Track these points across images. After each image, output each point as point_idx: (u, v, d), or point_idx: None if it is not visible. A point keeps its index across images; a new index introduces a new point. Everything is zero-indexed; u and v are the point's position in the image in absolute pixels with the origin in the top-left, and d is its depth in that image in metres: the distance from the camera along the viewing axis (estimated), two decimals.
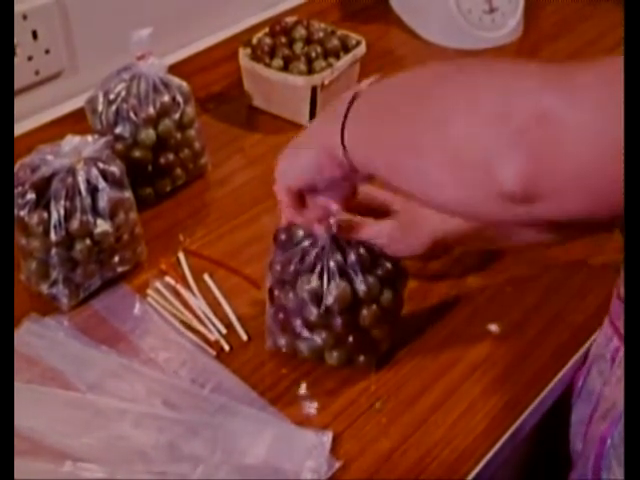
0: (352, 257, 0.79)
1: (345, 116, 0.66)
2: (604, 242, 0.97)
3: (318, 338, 0.81)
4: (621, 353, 0.79)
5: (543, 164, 0.52)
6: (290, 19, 1.24)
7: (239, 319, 0.90)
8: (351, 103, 0.66)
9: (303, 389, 0.83)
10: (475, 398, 0.83)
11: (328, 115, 0.71)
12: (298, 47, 1.20)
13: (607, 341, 0.81)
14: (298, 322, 0.81)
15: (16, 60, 1.15)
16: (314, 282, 0.78)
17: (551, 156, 0.51)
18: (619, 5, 1.44)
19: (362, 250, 0.79)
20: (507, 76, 0.56)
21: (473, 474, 0.76)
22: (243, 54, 1.20)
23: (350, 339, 0.81)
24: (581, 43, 1.41)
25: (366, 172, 0.68)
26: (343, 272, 0.79)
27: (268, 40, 1.20)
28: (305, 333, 0.82)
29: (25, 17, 1.13)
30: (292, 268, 0.79)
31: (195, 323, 0.89)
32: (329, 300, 0.78)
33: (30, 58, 1.17)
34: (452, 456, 0.77)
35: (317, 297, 0.79)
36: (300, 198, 0.76)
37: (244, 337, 0.88)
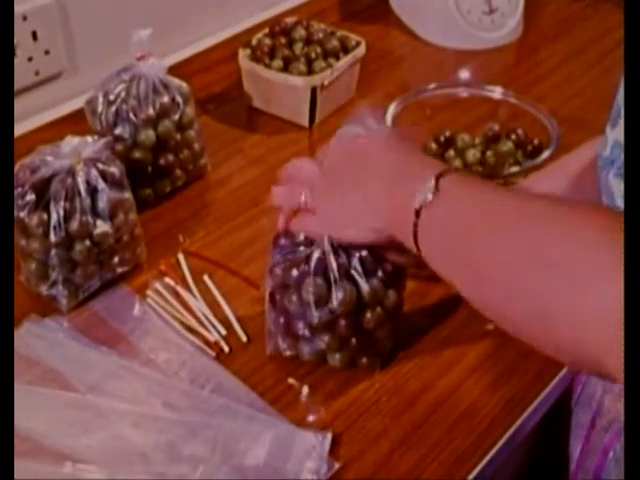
0: (355, 259, 0.78)
1: (415, 225, 0.65)
2: None
3: (321, 341, 0.81)
4: None
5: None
6: (290, 20, 1.24)
7: (239, 320, 0.90)
8: (419, 211, 0.65)
9: (303, 390, 0.83)
10: (475, 399, 0.83)
11: (387, 191, 0.69)
12: (298, 48, 1.20)
13: None
14: (301, 325, 0.81)
15: (16, 61, 1.15)
16: (319, 285, 0.78)
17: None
18: (619, 6, 1.44)
19: (364, 252, 0.79)
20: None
21: (473, 475, 0.76)
22: (243, 55, 1.20)
23: (353, 341, 0.81)
24: (581, 44, 1.41)
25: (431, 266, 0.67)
26: (348, 275, 0.78)
27: (268, 41, 1.20)
28: (308, 336, 0.82)
29: (25, 18, 1.13)
30: (295, 272, 0.79)
31: (195, 324, 0.89)
32: (334, 303, 0.78)
33: (30, 59, 1.17)
34: (452, 457, 0.77)
35: (322, 300, 0.78)
36: None
37: (244, 338, 0.88)
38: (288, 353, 0.84)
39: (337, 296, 0.78)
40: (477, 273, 0.62)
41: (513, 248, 0.58)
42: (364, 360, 0.83)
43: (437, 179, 0.65)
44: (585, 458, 0.83)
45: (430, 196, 0.64)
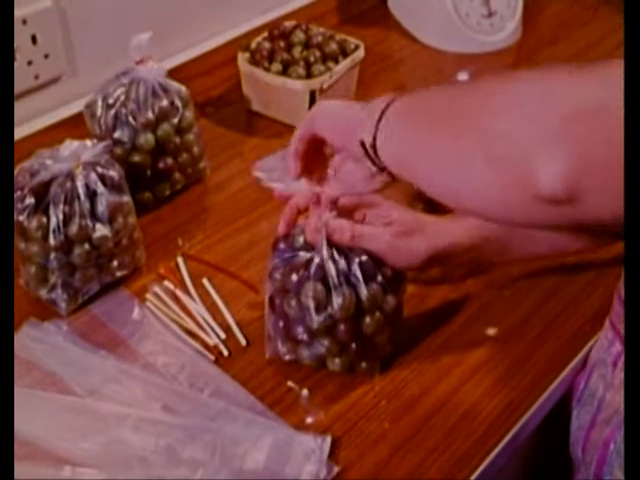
0: (355, 264, 0.78)
1: (379, 119, 0.66)
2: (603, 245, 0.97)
3: (321, 345, 0.81)
4: (623, 357, 0.78)
5: (590, 158, 0.50)
6: (289, 23, 1.24)
7: (238, 324, 0.90)
8: (387, 106, 0.66)
9: (302, 393, 0.83)
10: (474, 402, 0.83)
11: (359, 109, 0.70)
12: (297, 51, 1.20)
13: (608, 345, 0.81)
14: (300, 330, 0.81)
15: (16, 65, 1.15)
16: (319, 290, 0.78)
17: (600, 148, 0.50)
18: (618, 10, 1.44)
19: (364, 257, 0.79)
20: (548, 75, 0.55)
21: (473, 478, 0.76)
22: (242, 58, 1.20)
23: (353, 346, 0.81)
24: (580, 47, 1.42)
25: (397, 175, 0.68)
26: (347, 280, 0.78)
27: (267, 44, 1.20)
28: (307, 341, 0.81)
29: (25, 22, 1.13)
30: (295, 276, 0.79)
31: (194, 328, 0.89)
32: (333, 308, 0.78)
33: (30, 63, 1.17)
34: (451, 460, 0.77)
35: (321, 305, 0.78)
36: (310, 157, 0.77)
37: (243, 342, 0.88)
38: (287, 357, 0.84)
39: (336, 301, 0.78)
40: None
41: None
42: (363, 365, 0.83)
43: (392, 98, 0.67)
44: (585, 454, 0.83)
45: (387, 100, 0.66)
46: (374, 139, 0.66)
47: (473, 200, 0.60)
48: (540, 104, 0.53)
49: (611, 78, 0.51)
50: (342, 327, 0.79)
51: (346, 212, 0.81)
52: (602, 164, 0.50)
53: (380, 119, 0.66)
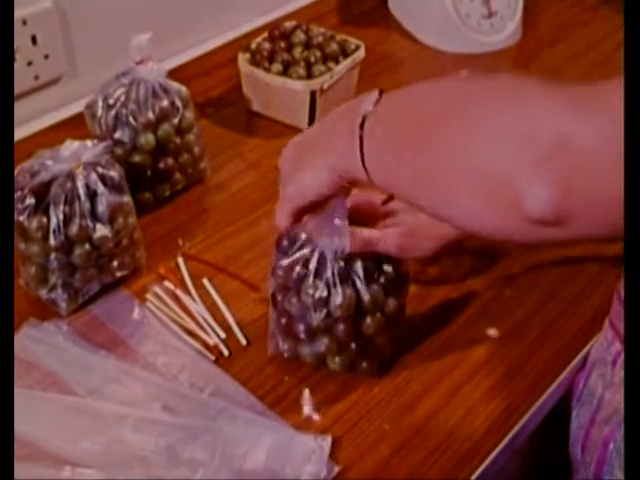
0: (356, 264, 0.78)
1: (361, 137, 0.66)
2: (604, 244, 0.97)
3: (321, 344, 0.81)
4: (623, 356, 0.78)
5: (572, 187, 0.52)
6: (289, 24, 1.24)
7: (238, 324, 0.90)
8: (363, 121, 0.66)
9: (302, 393, 0.83)
10: (474, 402, 0.83)
11: (337, 130, 0.70)
12: (297, 52, 1.20)
13: (608, 344, 0.81)
14: (301, 327, 0.81)
15: (16, 65, 1.15)
16: (318, 288, 0.78)
17: (579, 179, 0.52)
18: (618, 11, 1.44)
19: (366, 257, 0.79)
20: (521, 97, 0.56)
21: (473, 478, 0.76)
22: (242, 59, 1.20)
23: (353, 346, 0.81)
24: (580, 48, 1.42)
25: (389, 193, 0.69)
26: (347, 278, 0.78)
27: (267, 45, 1.20)
28: (308, 339, 0.82)
29: (25, 22, 1.14)
30: (295, 273, 0.79)
31: (194, 328, 0.89)
32: (333, 306, 0.78)
33: (30, 63, 1.17)
34: (452, 461, 0.77)
35: (321, 303, 0.78)
36: (301, 213, 0.77)
37: (243, 342, 0.88)
38: (289, 355, 0.84)
39: (336, 300, 0.78)
40: (419, 172, 0.63)
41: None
42: (364, 364, 0.83)
43: (380, 94, 0.68)
44: (585, 453, 0.83)
45: (370, 105, 0.67)
46: (363, 161, 0.66)
47: (466, 222, 0.62)
48: (520, 138, 0.54)
49: (604, 110, 0.52)
50: (341, 326, 0.79)
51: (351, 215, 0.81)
52: (584, 191, 0.52)
53: (362, 138, 0.66)
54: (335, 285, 0.78)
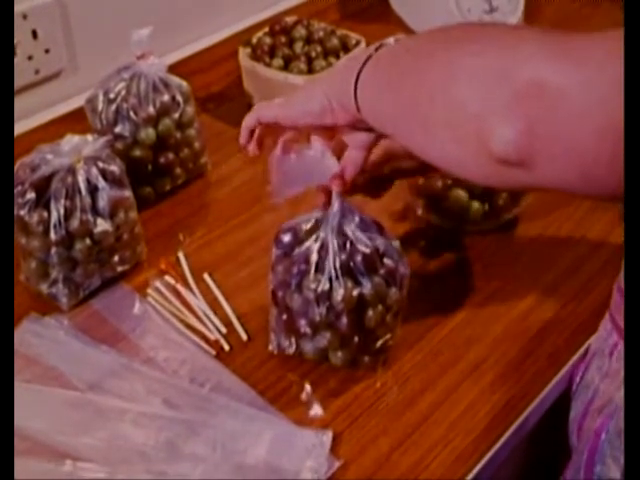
0: (358, 256, 0.78)
1: (360, 69, 0.69)
2: (604, 239, 0.97)
3: (323, 338, 0.81)
4: (619, 348, 0.78)
5: (538, 131, 0.53)
6: (290, 19, 1.24)
7: (239, 318, 0.90)
8: (368, 58, 0.69)
9: (303, 388, 0.83)
10: (475, 398, 0.83)
11: (340, 68, 0.74)
12: (298, 47, 1.20)
13: (607, 336, 0.81)
14: (303, 322, 0.81)
15: (16, 59, 1.15)
16: (320, 282, 0.78)
17: (546, 125, 0.53)
18: (618, 5, 1.44)
19: (367, 249, 0.78)
20: (509, 40, 0.58)
21: (473, 474, 0.76)
22: (243, 54, 1.20)
23: (355, 340, 0.81)
24: None
25: (372, 124, 0.70)
26: (349, 271, 0.78)
27: (268, 40, 1.20)
28: (310, 334, 0.81)
29: (25, 17, 1.13)
30: (296, 269, 0.79)
31: (195, 322, 0.89)
32: (335, 300, 0.78)
33: (30, 57, 1.17)
34: (452, 456, 0.77)
35: (323, 297, 0.78)
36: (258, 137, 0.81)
37: (244, 336, 0.88)
38: (291, 351, 0.84)
39: (338, 293, 0.77)
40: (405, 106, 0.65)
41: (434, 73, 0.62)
42: (366, 359, 0.83)
43: (372, 52, 0.71)
44: (579, 442, 0.84)
45: (373, 49, 0.70)
46: (355, 88, 0.70)
47: (434, 153, 0.64)
48: (496, 76, 0.56)
49: (576, 56, 0.52)
50: (344, 320, 0.79)
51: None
52: (549, 137, 0.53)
53: (361, 70, 0.70)
54: (338, 278, 0.77)
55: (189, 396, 0.81)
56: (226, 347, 0.87)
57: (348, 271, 0.78)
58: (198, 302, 0.91)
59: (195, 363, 0.85)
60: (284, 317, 0.82)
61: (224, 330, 0.88)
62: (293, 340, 0.83)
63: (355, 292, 0.78)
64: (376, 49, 0.70)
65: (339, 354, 0.82)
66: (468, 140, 0.58)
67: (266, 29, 1.23)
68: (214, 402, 0.80)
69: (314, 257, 0.78)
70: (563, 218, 1.03)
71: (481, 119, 0.56)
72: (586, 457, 0.80)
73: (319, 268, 0.78)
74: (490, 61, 0.57)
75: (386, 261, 0.80)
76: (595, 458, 0.79)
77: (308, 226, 0.80)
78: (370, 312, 0.80)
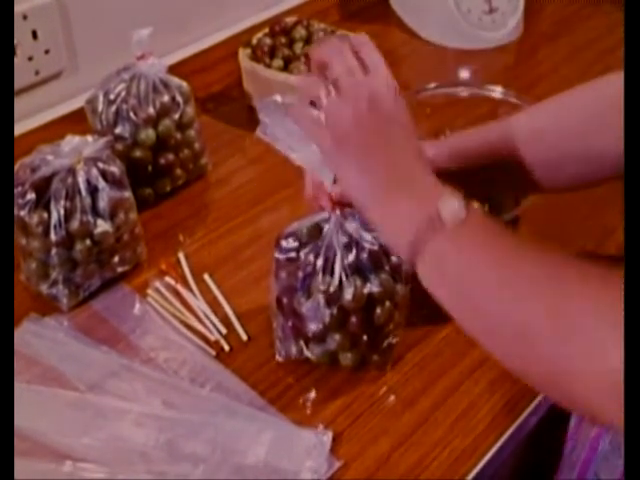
0: (364, 254, 0.78)
1: (424, 235, 0.63)
2: (605, 239, 0.97)
3: (332, 341, 0.81)
4: None
5: None
6: (290, 19, 1.24)
7: (239, 319, 0.90)
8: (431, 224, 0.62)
9: (303, 389, 0.83)
10: (475, 398, 0.83)
11: (396, 201, 0.66)
12: (298, 47, 1.20)
13: None
14: (312, 326, 0.80)
15: (16, 60, 1.15)
16: (329, 283, 0.78)
17: None
18: (619, 6, 1.44)
19: (373, 246, 0.78)
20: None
21: (473, 474, 0.76)
22: (243, 54, 1.20)
23: (364, 338, 0.81)
24: (580, 43, 1.41)
25: (424, 283, 0.66)
26: (357, 270, 0.78)
27: (268, 40, 1.20)
28: (318, 337, 0.81)
29: (25, 17, 1.13)
30: (302, 273, 0.79)
31: (195, 323, 0.89)
32: (346, 299, 0.78)
33: (30, 58, 1.17)
34: (452, 456, 0.77)
35: (332, 298, 0.78)
36: None
37: (244, 337, 0.88)
38: (299, 357, 0.83)
39: (348, 292, 0.77)
40: (485, 319, 0.63)
41: (526, 307, 0.58)
42: (375, 358, 0.83)
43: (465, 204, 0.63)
44: (571, 452, 0.83)
45: (456, 213, 0.62)
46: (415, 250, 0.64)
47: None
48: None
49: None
50: (354, 319, 0.79)
51: None
52: None
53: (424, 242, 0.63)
54: (347, 277, 0.77)
55: (189, 396, 0.81)
56: (226, 347, 0.87)
57: (357, 269, 0.78)
58: (198, 303, 0.91)
59: (195, 363, 0.85)
60: (290, 323, 0.82)
61: (224, 330, 0.88)
62: (301, 346, 0.83)
63: (365, 290, 0.78)
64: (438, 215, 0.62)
65: (349, 355, 0.82)
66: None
67: (266, 30, 1.23)
68: (214, 402, 0.80)
69: (320, 259, 0.78)
70: (564, 218, 1.03)
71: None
72: (580, 466, 0.80)
73: (326, 269, 0.78)
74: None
75: (391, 256, 0.80)
76: (589, 468, 0.79)
77: (310, 229, 0.80)
78: (379, 309, 0.80)
